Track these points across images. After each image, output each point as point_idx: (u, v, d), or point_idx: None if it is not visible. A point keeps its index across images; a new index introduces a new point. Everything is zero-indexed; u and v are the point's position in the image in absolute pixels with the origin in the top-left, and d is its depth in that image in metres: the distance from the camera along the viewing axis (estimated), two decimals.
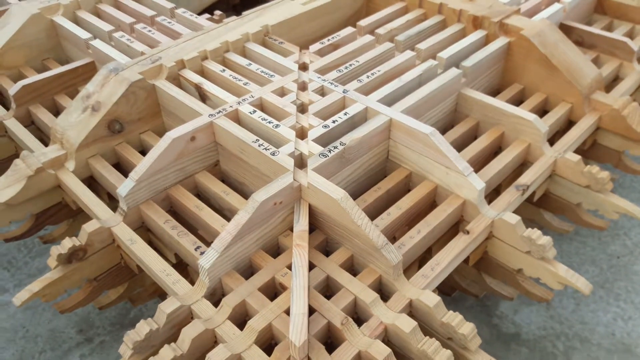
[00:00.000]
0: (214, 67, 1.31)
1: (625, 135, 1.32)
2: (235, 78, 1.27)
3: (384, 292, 0.96)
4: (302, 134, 1.11)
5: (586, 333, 1.58)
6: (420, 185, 1.13)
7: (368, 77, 1.27)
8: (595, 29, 1.56)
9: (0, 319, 1.69)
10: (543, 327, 1.60)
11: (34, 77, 1.40)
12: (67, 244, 1.01)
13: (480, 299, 1.63)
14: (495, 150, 1.28)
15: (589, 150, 1.42)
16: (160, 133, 1.24)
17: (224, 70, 1.30)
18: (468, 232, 1.05)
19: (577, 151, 1.41)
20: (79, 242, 1.03)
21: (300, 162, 1.05)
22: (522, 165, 1.26)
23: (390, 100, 1.21)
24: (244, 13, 1.51)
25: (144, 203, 1.10)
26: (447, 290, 1.34)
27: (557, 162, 1.21)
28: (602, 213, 1.22)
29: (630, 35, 1.70)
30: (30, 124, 1.42)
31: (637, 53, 1.52)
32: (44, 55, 1.60)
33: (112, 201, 1.25)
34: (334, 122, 1.12)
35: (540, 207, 1.32)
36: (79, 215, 1.32)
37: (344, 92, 1.21)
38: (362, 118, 1.17)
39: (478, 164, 1.21)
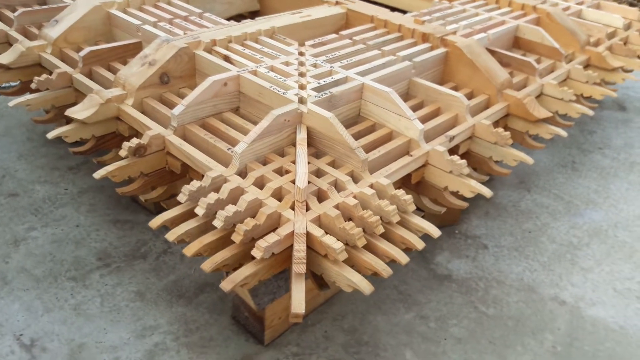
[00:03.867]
0: (237, 47, 1.82)
1: (525, 117, 1.88)
2: (252, 54, 1.77)
3: (355, 180, 1.43)
4: (302, 87, 1.61)
5: (502, 277, 2.06)
6: (381, 129, 1.63)
7: (347, 61, 1.80)
8: (509, 53, 2.17)
9: (30, 247, 2.04)
10: (469, 272, 2.07)
11: (98, 46, 1.86)
12: (135, 140, 1.45)
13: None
14: (435, 117, 1.80)
15: None
16: None
17: (244, 49, 1.80)
18: (411, 155, 1.54)
19: None
20: (142, 141, 1.46)
21: (302, 101, 1.54)
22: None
23: (362, 75, 1.73)
24: (257, 18, 2.04)
25: (188, 124, 1.55)
26: None
27: (476, 126, 1.74)
28: (506, 162, 1.74)
29: (538, 62, 2.32)
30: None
31: (538, 70, 2.12)
32: (97, 38, 2.07)
33: None
34: (324, 81, 1.63)
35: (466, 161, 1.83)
36: None
37: (331, 67, 1.73)
38: (343, 82, 1.68)
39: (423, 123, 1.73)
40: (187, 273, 1.95)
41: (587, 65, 2.47)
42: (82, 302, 1.83)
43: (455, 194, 1.59)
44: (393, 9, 3.02)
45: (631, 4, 5.23)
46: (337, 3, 2.28)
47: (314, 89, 1.58)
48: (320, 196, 1.34)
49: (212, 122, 1.58)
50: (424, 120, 1.75)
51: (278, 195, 1.32)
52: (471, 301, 1.94)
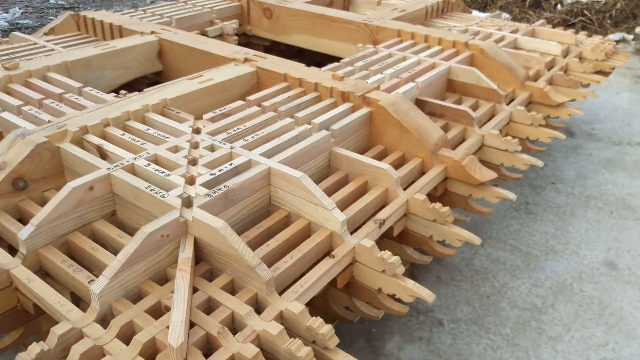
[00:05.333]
0: (115, 131, 1.49)
1: (466, 181, 1.62)
2: (133, 139, 1.44)
3: (260, 308, 1.11)
4: (191, 181, 1.29)
5: None
6: (296, 222, 1.33)
7: (252, 137, 1.50)
8: (442, 102, 1.92)
9: None
10: None
11: None
12: None
13: (367, 334, 1.79)
14: (362, 195, 1.51)
15: (441, 197, 1.70)
16: None
17: (124, 134, 1.48)
18: (333, 256, 1.24)
19: (431, 198, 1.68)
20: None
21: (189, 203, 1.22)
22: (383, 206, 1.49)
23: (270, 155, 1.43)
24: (145, 90, 1.72)
25: (43, 247, 1.20)
26: (328, 320, 1.49)
27: (409, 202, 1.46)
28: (449, 242, 1.47)
29: (475, 106, 2.09)
30: None
31: (476, 120, 1.88)
32: None
33: (12, 253, 1.32)
34: (220, 170, 1.32)
35: (402, 243, 1.55)
36: None
37: (231, 148, 1.42)
38: (246, 168, 1.37)
39: (347, 206, 1.43)
40: None
41: (529, 103, 2.27)
42: None
43: (394, 296, 1.29)
44: (321, 56, 2.78)
45: (564, 21, 5.20)
46: (245, 60, 1.99)
47: (204, 184, 1.26)
48: (211, 343, 1.02)
49: (76, 238, 1.24)
50: (348, 200, 1.46)
51: (152, 348, 0.99)
52: None
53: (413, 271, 2.10)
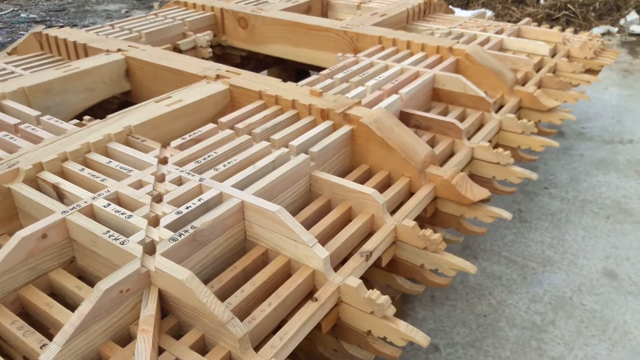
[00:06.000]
0: (73, 167, 1.36)
1: (457, 201, 1.51)
2: (93, 176, 1.32)
3: None
4: (155, 223, 1.17)
5: None
6: (275, 261, 1.21)
7: (225, 165, 1.38)
8: (428, 114, 1.81)
9: None
10: None
11: None
12: None
13: None
14: (347, 222, 1.40)
15: (432, 218, 1.59)
16: None
17: (83, 169, 1.35)
18: (316, 300, 1.12)
19: (421, 219, 1.57)
20: None
21: (152, 249, 1.09)
22: (370, 234, 1.38)
23: (244, 185, 1.31)
24: (108, 116, 1.59)
25: None
26: None
27: (397, 229, 1.35)
28: (442, 271, 1.36)
29: (463, 116, 1.98)
30: None
31: (465, 131, 1.78)
32: None
33: None
34: (187, 208, 1.19)
35: (391, 272, 1.44)
36: None
37: (200, 180, 1.30)
38: (217, 203, 1.25)
39: (330, 236, 1.32)
40: None
41: (519, 109, 2.17)
42: None
43: (385, 339, 1.18)
44: (305, 66, 2.67)
45: (548, 15, 5.13)
46: (217, 77, 1.87)
47: (169, 225, 1.14)
48: None
49: (29, 293, 1.11)
50: (332, 229, 1.35)
51: None
52: None
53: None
